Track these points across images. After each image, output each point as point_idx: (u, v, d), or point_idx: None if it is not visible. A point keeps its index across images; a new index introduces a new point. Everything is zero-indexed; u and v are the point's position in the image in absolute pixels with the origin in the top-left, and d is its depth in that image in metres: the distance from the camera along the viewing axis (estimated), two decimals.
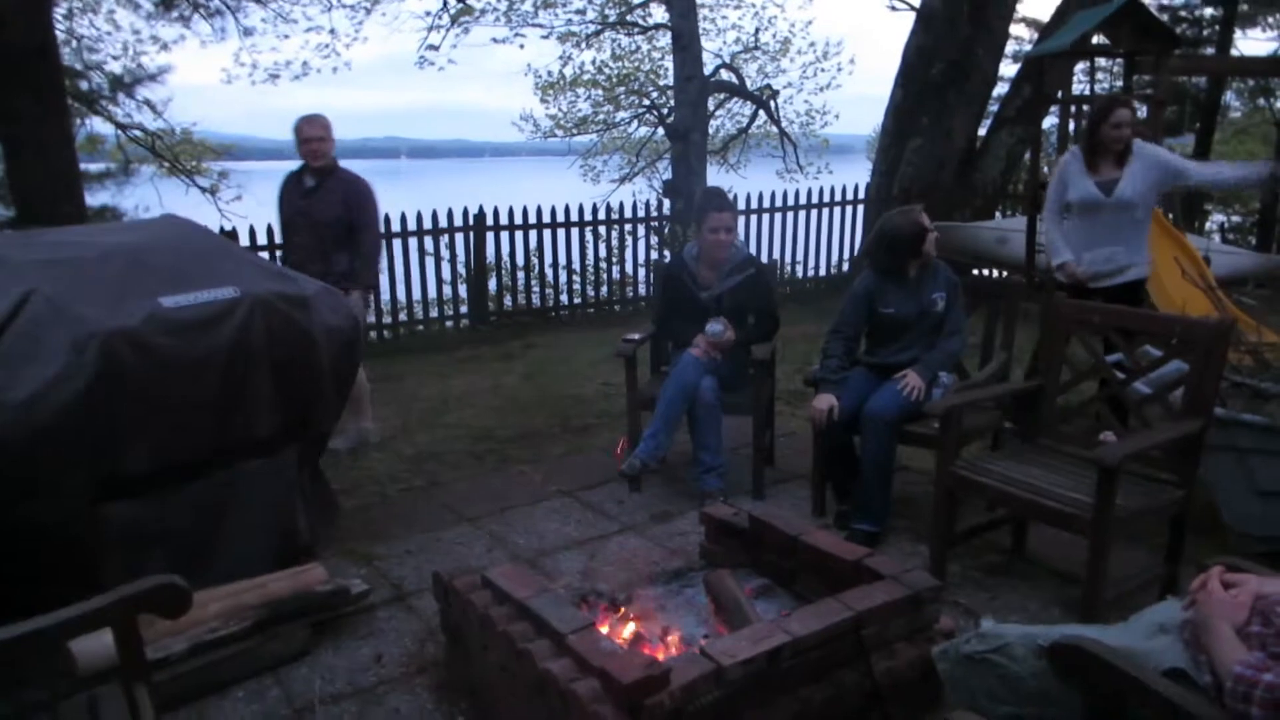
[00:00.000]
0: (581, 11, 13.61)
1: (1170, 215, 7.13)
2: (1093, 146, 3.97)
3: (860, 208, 9.57)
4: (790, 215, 9.12)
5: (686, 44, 11.04)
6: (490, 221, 7.89)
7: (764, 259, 8.64)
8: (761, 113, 14.41)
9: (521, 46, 18.03)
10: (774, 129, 14.69)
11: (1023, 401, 3.24)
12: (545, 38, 13.79)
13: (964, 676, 1.71)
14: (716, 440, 3.64)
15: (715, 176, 13.68)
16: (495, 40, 13.26)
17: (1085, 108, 8.41)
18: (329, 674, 2.57)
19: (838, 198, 9.43)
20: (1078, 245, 4.00)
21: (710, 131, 13.59)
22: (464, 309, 7.98)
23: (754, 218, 8.90)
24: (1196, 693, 1.46)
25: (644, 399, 3.87)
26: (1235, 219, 12.51)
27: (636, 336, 3.99)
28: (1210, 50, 13.01)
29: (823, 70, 15.15)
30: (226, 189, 11.69)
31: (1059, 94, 6.22)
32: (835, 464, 3.47)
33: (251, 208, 8.86)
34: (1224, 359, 2.74)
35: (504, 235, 7.94)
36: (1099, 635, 1.63)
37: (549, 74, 14.75)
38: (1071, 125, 8.11)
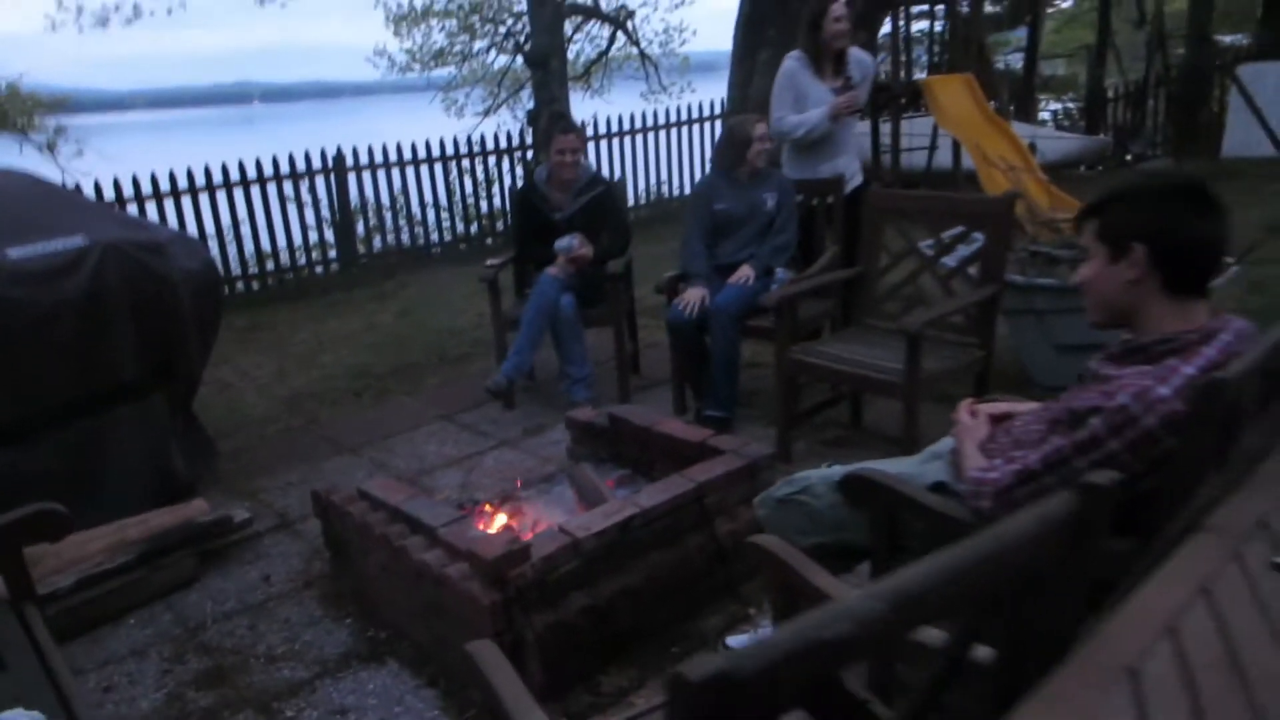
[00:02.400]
0: None
1: (994, 104, 7.64)
2: (815, 48, 3.87)
3: (719, 124, 9.79)
4: (652, 136, 9.26)
5: None
6: (351, 163, 7.76)
7: (629, 182, 8.79)
8: (621, 35, 14.38)
9: None
10: (634, 51, 14.70)
11: (850, 287, 3.55)
12: None
13: (778, 518, 1.98)
14: (580, 353, 3.85)
15: (578, 102, 13.64)
16: None
17: (917, 8, 8.82)
18: (219, 596, 2.72)
19: (696, 115, 9.61)
20: (815, 158, 3.95)
21: (571, 57, 13.51)
22: (332, 253, 7.89)
23: (615, 140, 9.00)
24: (953, 499, 1.77)
25: (508, 321, 4.04)
26: (1069, 105, 13.30)
27: (498, 261, 4.14)
28: None
29: None
30: (65, 145, 11.02)
31: None
32: (690, 362, 3.73)
33: (95, 163, 8.44)
34: (1009, 231, 3.09)
35: (367, 175, 7.84)
36: (884, 466, 1.94)
37: (400, 5, 14.28)
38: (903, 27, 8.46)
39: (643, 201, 9.32)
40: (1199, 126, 10.05)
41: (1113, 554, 1.29)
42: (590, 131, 8.70)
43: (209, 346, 3.44)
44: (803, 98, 3.89)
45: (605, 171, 8.20)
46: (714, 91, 11.17)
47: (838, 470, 1.93)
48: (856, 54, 3.96)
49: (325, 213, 7.77)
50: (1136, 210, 1.49)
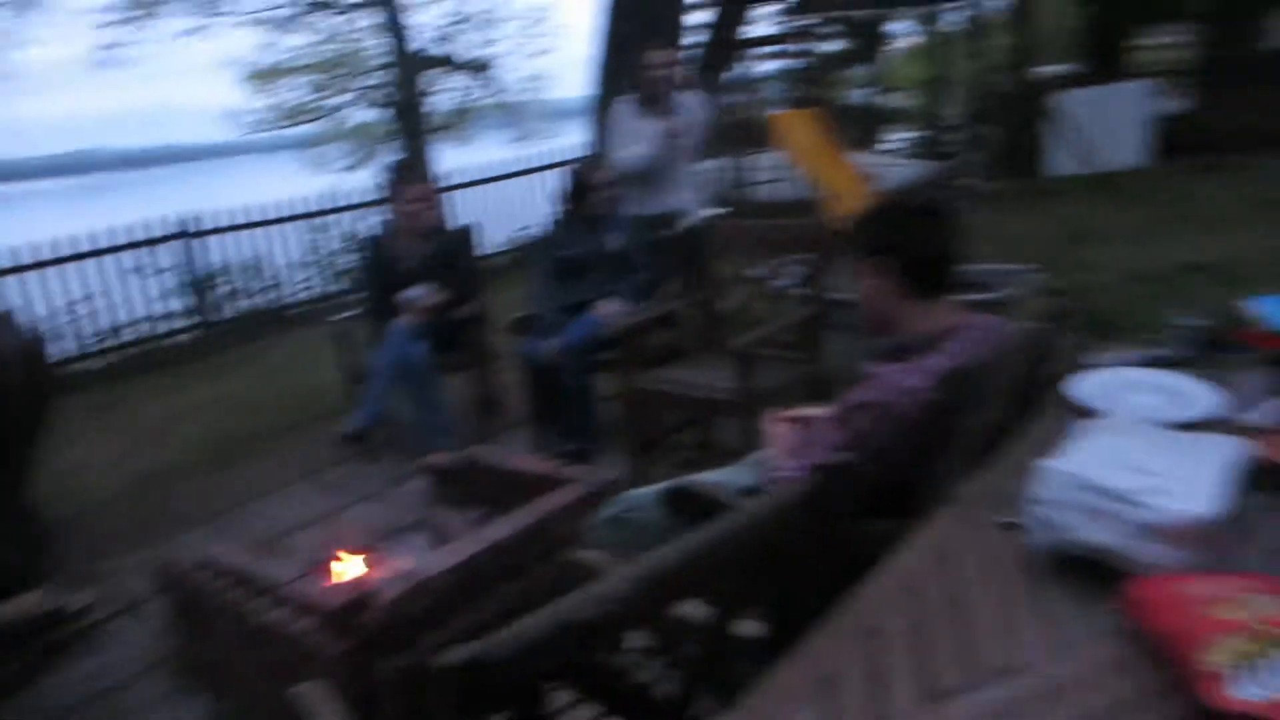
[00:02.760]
0: None
1: (839, 136, 8.09)
2: (643, 91, 4.11)
3: None
4: (516, 182, 9.39)
5: (394, 21, 10.96)
6: (203, 226, 7.57)
7: (493, 228, 8.85)
8: (482, 84, 14.55)
9: (216, 36, 16.96)
10: (498, 99, 14.89)
11: (698, 314, 3.70)
12: (239, 25, 13.10)
13: (607, 536, 2.07)
14: (438, 399, 3.87)
15: (445, 152, 13.69)
16: (184, 33, 12.47)
17: (766, 49, 9.30)
18: (66, 689, 2.60)
19: (560, 160, 9.78)
20: (653, 194, 4.15)
21: (435, 107, 13.59)
22: (188, 321, 7.63)
23: (478, 188, 9.08)
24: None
25: (362, 373, 4.03)
26: (912, 135, 14.15)
27: (347, 315, 4.13)
28: None
29: (537, 37, 15.48)
30: None
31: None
32: (547, 399, 3.80)
33: None
34: (831, 254, 3.30)
35: (223, 238, 7.65)
36: (709, 477, 2.05)
37: (255, 64, 14.05)
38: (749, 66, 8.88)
39: (504, 248, 9.38)
40: (1023, 150, 10.85)
41: (877, 533, 1.42)
42: (452, 180, 8.75)
43: (39, 428, 3.29)
44: (633, 136, 4.11)
45: (468, 219, 8.25)
46: (580, 136, 11.43)
47: (661, 486, 2.03)
48: (686, 97, 4.22)
49: (179, 280, 7.53)
50: (884, 228, 1.67)
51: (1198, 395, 1.63)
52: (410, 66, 11.06)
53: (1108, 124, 9.53)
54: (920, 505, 1.51)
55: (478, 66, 14.19)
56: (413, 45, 11.46)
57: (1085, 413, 1.57)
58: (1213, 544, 1.13)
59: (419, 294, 3.90)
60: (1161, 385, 1.70)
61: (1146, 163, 9.70)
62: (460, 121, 15.17)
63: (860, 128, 11.01)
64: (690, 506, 1.94)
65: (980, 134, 11.58)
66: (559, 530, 2.57)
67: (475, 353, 4.04)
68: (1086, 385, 1.70)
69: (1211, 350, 1.80)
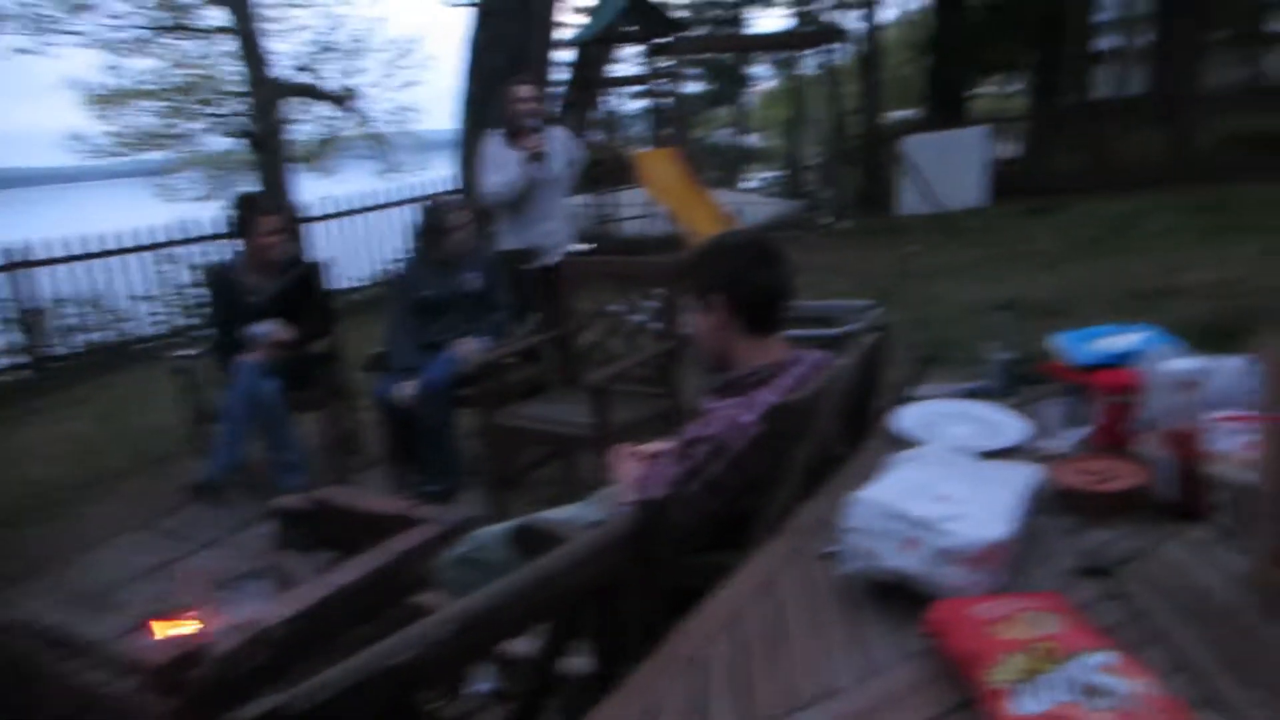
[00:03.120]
0: (119, 16, 12.38)
1: (701, 175, 8.34)
2: (509, 124, 4.22)
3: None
4: (382, 214, 9.20)
5: (252, 47, 10.60)
6: (34, 256, 7.07)
7: (355, 261, 8.66)
8: (348, 114, 14.23)
9: (57, 56, 15.98)
10: (365, 130, 14.59)
11: (558, 349, 3.72)
12: (82, 46, 12.38)
13: (456, 577, 2.04)
14: (288, 438, 3.73)
15: (308, 183, 13.29)
16: (20, 50, 11.69)
17: (628, 89, 9.49)
18: None
19: (427, 193, 9.66)
20: (527, 224, 4.26)
21: (297, 136, 13.18)
22: (17, 360, 7.09)
23: (341, 220, 8.86)
24: None
25: (207, 413, 3.84)
26: (774, 175, 14.75)
27: (193, 352, 3.93)
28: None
29: (405, 68, 15.28)
30: None
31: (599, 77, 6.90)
32: (405, 438, 3.72)
33: None
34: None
35: (55, 270, 7.16)
36: (558, 514, 2.05)
37: (99, 86, 13.29)
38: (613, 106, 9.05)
39: (367, 282, 9.17)
40: (875, 190, 11.47)
41: (709, 566, 1.46)
42: (314, 212, 8.51)
43: None
44: (499, 165, 4.19)
45: (330, 253, 8.04)
46: (450, 169, 11.34)
47: (509, 524, 2.02)
48: (553, 131, 4.33)
49: (3, 314, 6.99)
50: (716, 266, 1.73)
51: (1007, 425, 1.76)
52: (269, 94, 10.71)
53: (949, 167, 10.19)
54: (752, 537, 1.57)
55: (342, 96, 13.88)
56: (272, 72, 11.11)
57: (907, 443, 1.66)
58: (1007, 566, 1.21)
59: (268, 329, 3.76)
60: (975, 416, 1.82)
61: (984, 204, 10.41)
62: (323, 152, 14.77)
63: (722, 166, 11.37)
64: (538, 544, 1.94)
65: (836, 174, 12.17)
66: (411, 572, 2.51)
67: (329, 390, 3.92)
68: (909, 416, 1.80)
69: (1020, 382, 1.95)
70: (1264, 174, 9.10)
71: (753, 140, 17.07)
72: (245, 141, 12.17)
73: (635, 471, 1.98)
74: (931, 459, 1.41)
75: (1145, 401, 1.52)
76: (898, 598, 1.21)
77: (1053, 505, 1.41)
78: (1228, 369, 1.60)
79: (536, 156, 4.15)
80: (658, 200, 7.45)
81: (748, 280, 1.70)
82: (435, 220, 3.78)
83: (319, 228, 8.55)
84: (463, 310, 3.81)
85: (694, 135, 11.40)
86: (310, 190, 11.23)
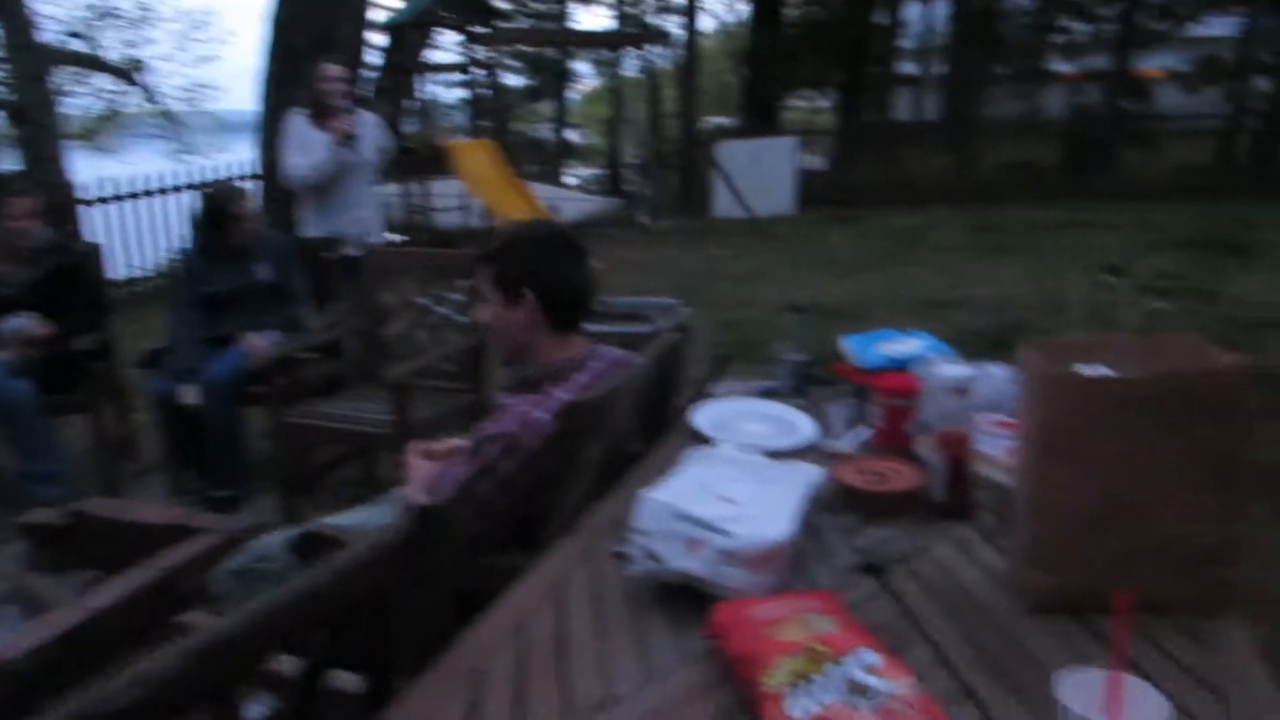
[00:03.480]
0: None
1: (519, 168, 8.25)
2: (315, 104, 4.02)
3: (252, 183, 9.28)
4: (171, 198, 8.47)
5: (14, 7, 9.46)
6: None
7: (140, 248, 7.95)
8: (134, 89, 13.07)
9: None
10: (154, 107, 13.45)
11: (361, 343, 3.53)
12: None
13: (235, 591, 1.88)
14: (44, 446, 3.34)
15: (88, 162, 12.08)
16: None
17: (446, 78, 9.24)
18: None
19: (223, 175, 9.00)
20: (334, 210, 4.07)
21: (74, 111, 11.96)
22: None
23: (122, 204, 8.09)
24: None
25: None
26: (594, 172, 14.84)
27: None
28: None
29: (200, 41, 14.23)
30: None
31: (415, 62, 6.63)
32: (187, 441, 3.42)
33: None
34: None
35: None
36: (347, 519, 1.93)
37: None
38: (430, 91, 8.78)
39: (151, 272, 8.44)
40: (692, 193, 11.77)
41: (501, 568, 1.41)
42: (90, 194, 7.73)
43: None
44: (306, 145, 3.98)
45: (108, 239, 7.34)
46: (250, 151, 10.61)
47: (291, 532, 1.88)
48: (362, 115, 4.16)
49: None
50: (524, 259, 1.67)
51: (798, 424, 1.81)
52: (35, 61, 9.62)
53: (761, 174, 10.61)
54: (546, 537, 1.52)
55: (126, 68, 12.72)
56: (40, 37, 9.99)
57: (703, 440, 1.68)
58: (787, 565, 1.23)
59: (20, 324, 3.35)
60: (768, 414, 1.86)
61: (793, 211, 10.92)
62: (104, 128, 13.49)
63: (542, 161, 11.30)
64: (320, 553, 1.81)
65: (654, 175, 12.39)
66: (186, 587, 2.30)
67: (98, 391, 3.54)
68: (705, 414, 1.82)
69: (811, 382, 2.01)
70: (1030, 199, 10.59)
71: (574, 137, 17.09)
72: (2, 114, 10.90)
73: (427, 471, 1.90)
74: (718, 458, 1.41)
75: (922, 405, 1.60)
76: (684, 599, 1.20)
77: (834, 504, 1.46)
78: (995, 376, 1.71)
79: (347, 138, 3.98)
80: (473, 192, 7.29)
81: (557, 276, 1.66)
82: (216, 207, 3.49)
83: (97, 211, 7.75)
84: (253, 303, 3.54)
85: (514, 128, 11.24)
86: (90, 170, 10.20)
